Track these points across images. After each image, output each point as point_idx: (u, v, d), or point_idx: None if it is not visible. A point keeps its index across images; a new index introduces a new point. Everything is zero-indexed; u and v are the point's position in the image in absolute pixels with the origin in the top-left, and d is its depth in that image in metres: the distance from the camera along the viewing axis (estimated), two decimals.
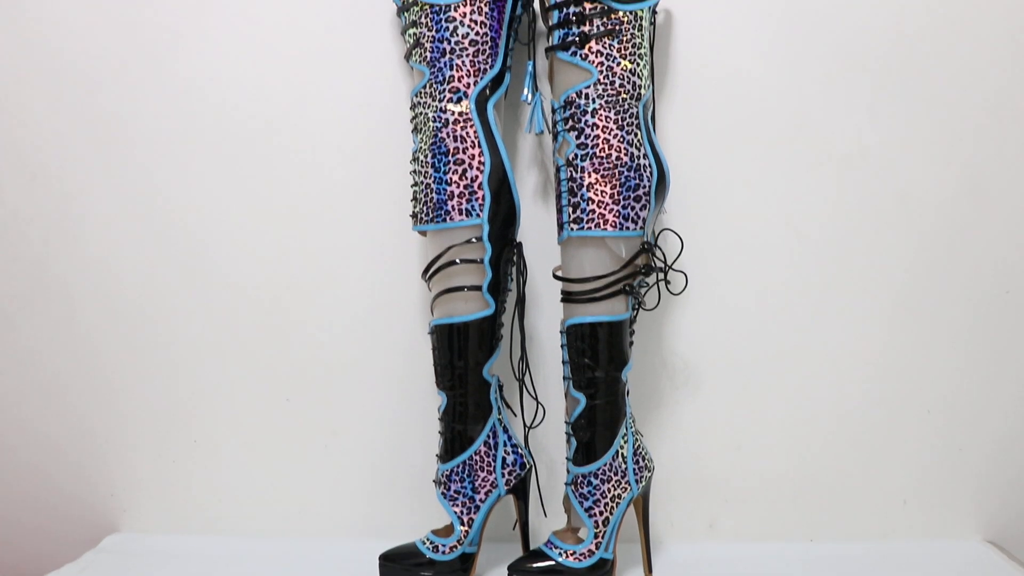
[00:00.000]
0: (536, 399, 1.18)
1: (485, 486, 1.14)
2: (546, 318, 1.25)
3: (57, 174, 1.29)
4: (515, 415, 1.21)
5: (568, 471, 1.13)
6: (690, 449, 1.27)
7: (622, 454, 1.12)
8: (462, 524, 1.13)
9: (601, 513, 1.11)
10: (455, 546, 1.12)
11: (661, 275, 1.14)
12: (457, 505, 1.13)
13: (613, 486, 1.11)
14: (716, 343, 1.26)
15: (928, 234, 1.23)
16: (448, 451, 1.14)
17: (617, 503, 1.11)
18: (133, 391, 1.32)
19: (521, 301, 1.15)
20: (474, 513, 1.13)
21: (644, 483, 1.14)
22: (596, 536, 1.10)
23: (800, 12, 1.21)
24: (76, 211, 1.30)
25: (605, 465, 1.11)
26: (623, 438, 1.12)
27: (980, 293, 1.24)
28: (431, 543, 1.13)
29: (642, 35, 1.10)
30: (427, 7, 1.12)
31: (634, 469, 1.13)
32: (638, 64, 1.10)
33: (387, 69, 1.24)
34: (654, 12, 1.16)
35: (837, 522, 1.26)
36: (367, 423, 1.30)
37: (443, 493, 1.14)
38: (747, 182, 1.24)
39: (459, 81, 1.11)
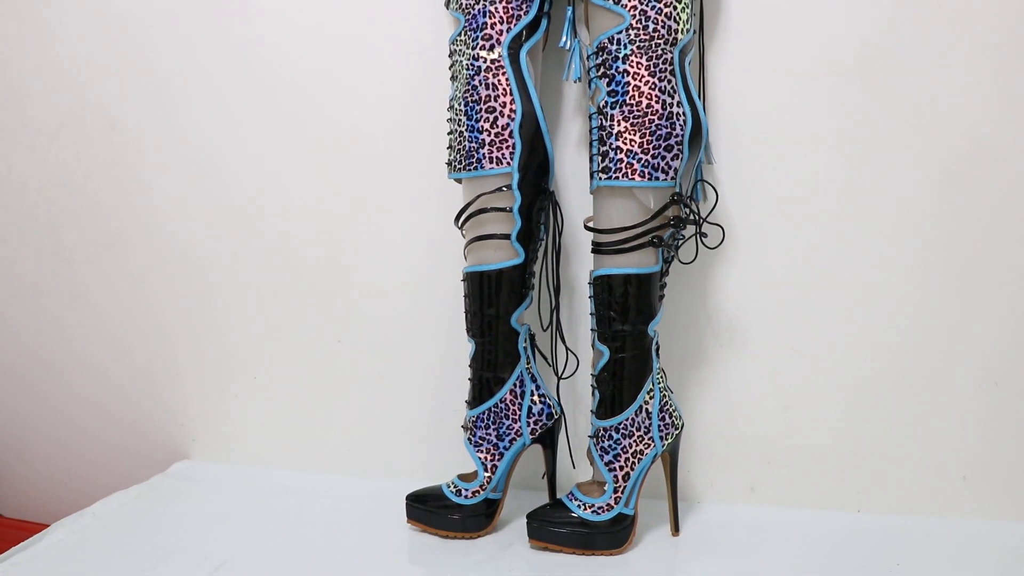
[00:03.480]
0: (568, 349, 1.18)
1: (510, 434, 1.14)
2: (586, 269, 1.24)
3: (118, 130, 1.38)
4: (549, 364, 1.20)
5: (592, 424, 1.12)
6: (734, 408, 1.23)
7: (646, 409, 1.10)
8: (486, 470, 1.14)
9: (622, 468, 1.09)
10: (478, 491, 1.14)
11: (693, 228, 1.10)
12: (482, 451, 1.15)
13: (635, 441, 1.10)
14: (763, 299, 1.20)
15: (1002, 190, 1.13)
16: (476, 398, 1.15)
17: (639, 459, 1.10)
18: (203, 335, 1.41)
19: (556, 251, 1.15)
20: (498, 460, 1.14)
21: (671, 440, 1.12)
22: (616, 491, 1.09)
23: None
24: (136, 167, 1.38)
25: (627, 419, 1.10)
26: (648, 393, 1.10)
27: None
28: (455, 487, 1.15)
29: None
30: None
31: (659, 425, 1.11)
32: (675, 8, 1.05)
33: (432, 15, 1.25)
34: None
35: (888, 493, 1.20)
36: (413, 367, 1.33)
37: (469, 439, 1.15)
38: (803, 130, 1.17)
39: (492, 28, 1.10)
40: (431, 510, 1.15)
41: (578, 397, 1.25)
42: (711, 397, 1.23)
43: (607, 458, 1.10)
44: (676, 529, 1.15)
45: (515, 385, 1.14)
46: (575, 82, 1.19)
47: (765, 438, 1.23)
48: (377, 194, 1.31)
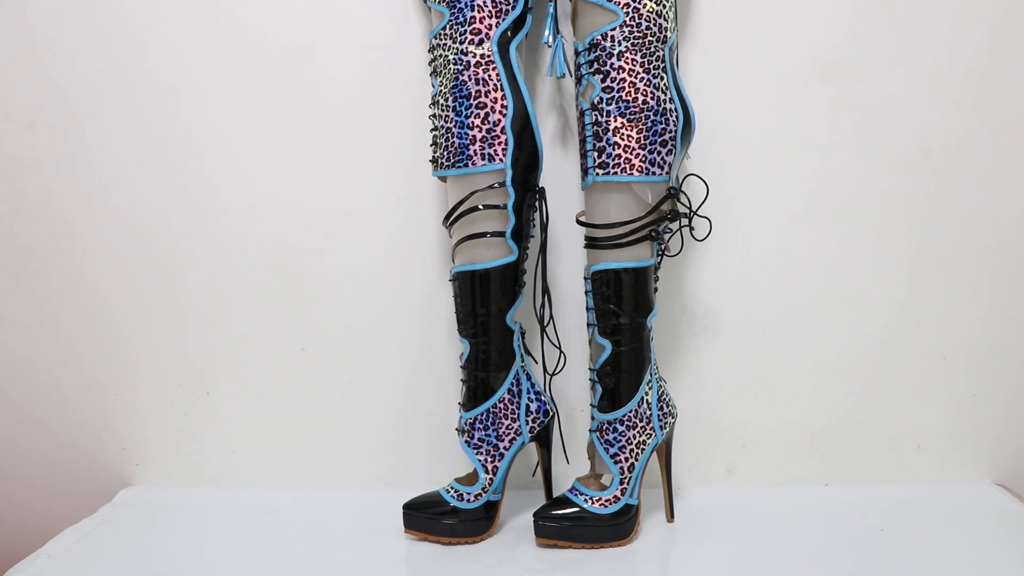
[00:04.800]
0: (558, 347, 1.18)
1: (509, 434, 1.13)
2: (565, 264, 1.24)
3: (59, 119, 1.26)
4: (536, 362, 1.20)
5: (593, 418, 1.13)
6: (709, 395, 1.27)
7: (647, 400, 1.12)
8: (486, 472, 1.12)
9: (627, 459, 1.11)
10: (480, 494, 1.12)
11: (685, 221, 1.13)
12: (481, 453, 1.13)
13: (638, 432, 1.11)
14: (736, 290, 1.25)
15: (949, 182, 1.23)
16: (471, 399, 1.13)
17: (642, 449, 1.12)
18: (142, 342, 1.30)
19: (544, 247, 1.14)
20: (498, 461, 1.13)
21: (668, 429, 1.14)
22: (622, 482, 1.10)
23: None
24: (79, 157, 1.26)
25: (630, 412, 1.11)
26: (648, 384, 1.12)
27: (997, 242, 1.24)
28: (455, 491, 1.12)
29: None
30: None
31: (658, 415, 1.13)
32: (663, 5, 1.08)
33: (399, 9, 1.21)
34: None
35: (852, 466, 1.28)
36: (383, 372, 1.29)
37: (467, 441, 1.13)
38: (769, 128, 1.23)
39: (480, 22, 1.08)
40: (431, 517, 1.12)
41: (559, 392, 1.25)
42: (687, 385, 1.27)
43: (612, 450, 1.11)
44: (671, 515, 1.18)
45: (512, 384, 1.13)
46: (559, 78, 1.19)
47: (739, 422, 1.28)
48: (340, 194, 1.26)
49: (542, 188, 1.13)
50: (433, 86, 1.12)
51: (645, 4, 1.06)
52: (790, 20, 1.21)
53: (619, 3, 1.06)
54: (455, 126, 1.09)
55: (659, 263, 1.13)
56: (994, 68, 1.21)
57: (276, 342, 1.28)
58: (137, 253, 1.28)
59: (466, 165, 1.09)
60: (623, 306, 1.10)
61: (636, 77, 1.07)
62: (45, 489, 1.33)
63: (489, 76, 1.08)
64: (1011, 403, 1.27)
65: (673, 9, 1.10)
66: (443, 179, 1.14)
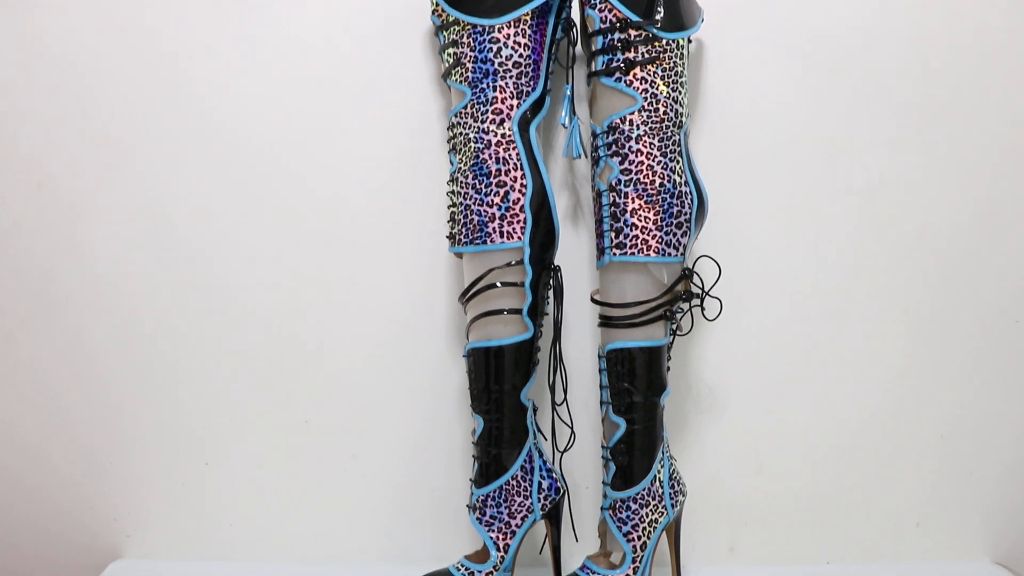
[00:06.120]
0: (571, 425, 1.18)
1: (521, 511, 1.12)
2: (573, 342, 1.25)
3: (63, 185, 1.24)
4: (545, 439, 1.20)
5: (605, 496, 1.13)
6: (712, 472, 1.28)
7: (659, 479, 1.13)
8: (498, 550, 1.11)
9: (639, 538, 1.11)
10: (491, 572, 1.11)
11: (697, 301, 1.14)
12: (493, 531, 1.12)
13: (651, 511, 1.12)
14: (740, 369, 1.27)
15: (944, 264, 1.27)
16: (483, 476, 1.12)
17: (654, 527, 1.12)
18: (139, 410, 1.27)
19: (558, 325, 1.15)
20: (510, 538, 1.12)
21: (678, 508, 1.15)
22: (634, 561, 1.10)
23: (827, 46, 1.24)
24: (82, 224, 1.25)
25: (643, 490, 1.11)
26: (660, 463, 1.13)
27: (991, 323, 1.28)
28: (466, 569, 1.11)
29: (683, 63, 1.11)
30: (468, 26, 1.11)
31: (670, 493, 1.14)
32: (679, 92, 1.11)
33: (417, 87, 1.23)
34: (689, 41, 1.17)
35: (853, 544, 1.29)
36: (388, 446, 1.27)
37: (478, 518, 1.12)
38: (771, 212, 1.26)
39: (502, 103, 1.10)
40: None
41: (565, 469, 1.25)
42: (691, 462, 1.27)
43: (625, 529, 1.11)
44: None
45: (525, 461, 1.13)
46: (575, 159, 1.21)
47: (742, 500, 1.28)
48: (347, 264, 1.26)
49: (558, 266, 1.14)
50: (452, 163, 1.13)
51: (662, 90, 1.09)
52: (793, 109, 1.25)
53: (638, 88, 1.09)
54: (474, 203, 1.10)
55: (672, 342, 1.14)
56: (987, 154, 1.26)
57: (279, 413, 1.27)
58: (136, 322, 1.26)
59: (484, 242, 1.10)
60: (637, 385, 1.11)
61: (653, 160, 1.09)
62: (32, 560, 1.29)
63: (509, 155, 1.10)
64: (1008, 482, 1.29)
65: (687, 95, 1.13)
66: (459, 255, 1.15)
